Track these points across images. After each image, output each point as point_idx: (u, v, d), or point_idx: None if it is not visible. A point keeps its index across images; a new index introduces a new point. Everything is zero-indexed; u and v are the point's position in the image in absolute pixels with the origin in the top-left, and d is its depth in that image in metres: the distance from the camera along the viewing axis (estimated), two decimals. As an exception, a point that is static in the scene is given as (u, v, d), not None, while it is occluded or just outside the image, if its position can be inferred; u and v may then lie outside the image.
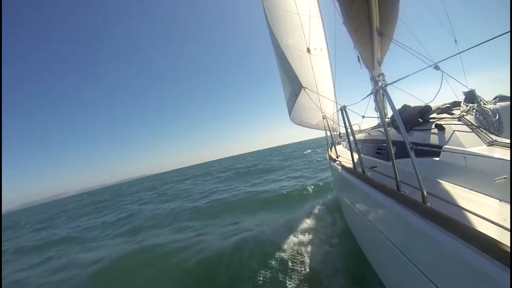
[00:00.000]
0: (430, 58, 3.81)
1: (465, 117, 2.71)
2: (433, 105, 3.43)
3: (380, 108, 2.88)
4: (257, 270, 4.65)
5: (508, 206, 1.64)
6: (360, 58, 5.73)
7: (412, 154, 1.75)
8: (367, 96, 2.89)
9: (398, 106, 3.36)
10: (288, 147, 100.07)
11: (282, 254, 5.03)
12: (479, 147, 2.22)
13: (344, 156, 5.33)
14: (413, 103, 3.51)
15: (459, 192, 2.02)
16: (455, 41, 6.10)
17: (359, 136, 5.11)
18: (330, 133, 6.50)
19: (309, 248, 5.14)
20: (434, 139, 2.68)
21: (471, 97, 3.08)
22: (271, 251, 5.18)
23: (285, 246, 5.33)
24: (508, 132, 2.62)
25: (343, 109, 2.97)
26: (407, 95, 3.90)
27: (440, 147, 2.48)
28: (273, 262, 4.80)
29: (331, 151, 6.52)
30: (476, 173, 2.02)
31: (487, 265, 1.20)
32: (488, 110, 2.73)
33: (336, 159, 5.29)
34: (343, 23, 4.58)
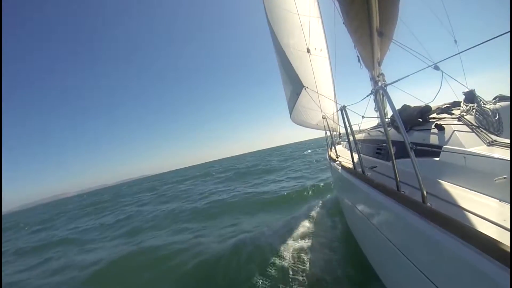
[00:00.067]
0: (430, 58, 3.81)
1: (465, 117, 2.71)
2: (433, 105, 3.43)
3: (380, 108, 2.88)
4: (255, 275, 4.58)
5: (508, 206, 1.64)
6: (360, 58, 5.73)
7: (412, 154, 1.75)
8: (367, 96, 2.89)
9: (398, 106, 3.35)
10: (288, 147, 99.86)
11: (281, 259, 4.93)
12: (479, 147, 2.22)
13: (344, 156, 5.32)
14: (413, 103, 3.51)
15: (459, 192, 2.01)
16: (455, 41, 6.11)
17: (359, 136, 5.10)
18: (330, 133, 6.50)
19: (309, 253, 5.03)
20: (434, 139, 2.68)
21: (471, 97, 3.08)
22: (270, 256, 5.11)
23: (284, 250, 5.24)
24: (508, 132, 2.62)
25: (343, 109, 2.96)
26: (407, 95, 3.90)
27: (440, 147, 2.48)
28: (272, 269, 4.68)
29: (331, 151, 6.52)
30: (476, 173, 2.02)
31: (487, 265, 1.20)
32: (488, 110, 2.73)
33: (336, 159, 5.29)
34: (343, 23, 4.58)
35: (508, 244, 1.16)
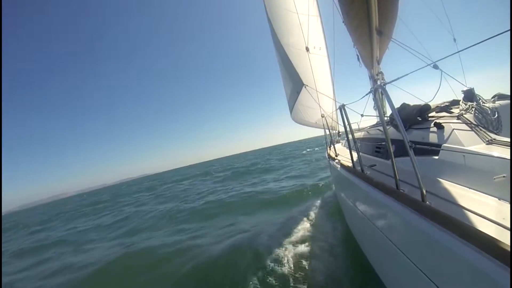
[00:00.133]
0: (429, 57, 3.81)
1: (464, 115, 2.71)
2: (432, 103, 3.43)
3: (379, 107, 2.89)
4: (252, 282, 4.42)
5: (507, 204, 1.64)
6: (359, 56, 5.74)
7: (411, 152, 1.74)
8: (366, 94, 2.89)
9: (397, 105, 3.36)
10: (288, 145, 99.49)
11: (281, 266, 4.70)
12: (478, 146, 2.22)
13: (343, 155, 5.33)
14: (412, 102, 3.52)
15: (458, 191, 2.02)
16: (454, 39, 6.11)
17: (358, 135, 5.11)
18: (329, 131, 6.51)
19: (309, 257, 4.86)
20: (433, 138, 2.68)
21: (470, 95, 3.08)
22: (269, 262, 4.91)
23: (283, 253, 5.07)
24: (507, 131, 2.62)
25: (342, 108, 2.96)
26: (406, 93, 3.90)
27: (439, 145, 2.48)
28: (272, 278, 4.45)
29: (330, 149, 6.52)
30: (475, 172, 2.02)
31: (486, 264, 1.20)
32: (487, 108, 2.73)
33: (335, 157, 5.29)
34: (343, 22, 4.58)
35: (508, 242, 1.16)
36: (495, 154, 1.93)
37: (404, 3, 4.22)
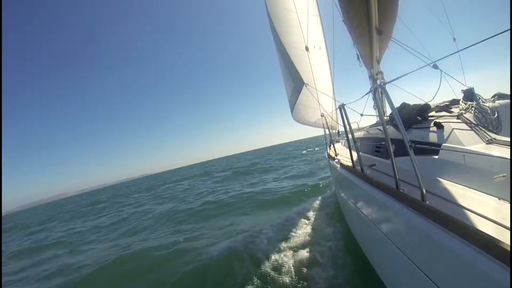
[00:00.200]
0: (429, 57, 3.81)
1: (464, 115, 2.71)
2: (432, 103, 3.43)
3: (378, 106, 2.88)
4: None
5: (507, 204, 1.64)
6: (359, 56, 5.73)
7: (411, 152, 1.74)
8: (366, 94, 2.88)
9: (396, 104, 3.35)
10: (288, 145, 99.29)
11: (280, 274, 4.51)
12: (478, 145, 2.22)
13: (343, 154, 5.32)
14: (412, 101, 3.51)
15: (458, 190, 2.01)
16: (454, 39, 6.10)
17: (358, 134, 5.11)
18: (329, 131, 6.50)
19: (309, 263, 4.62)
20: (433, 137, 2.68)
21: (470, 95, 3.08)
22: (266, 266, 4.79)
23: (281, 259, 4.90)
24: (507, 130, 2.62)
25: (341, 107, 2.96)
26: (406, 93, 3.90)
27: (439, 145, 2.48)
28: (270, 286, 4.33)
29: (330, 149, 6.52)
30: (475, 171, 2.02)
31: (486, 264, 1.20)
32: (487, 108, 2.73)
33: (335, 157, 5.29)
34: (343, 21, 4.58)
35: (508, 242, 1.15)
36: (495, 153, 1.93)
37: (404, 2, 4.22)
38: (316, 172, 15.11)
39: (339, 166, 4.49)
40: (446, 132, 2.55)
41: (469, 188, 2.00)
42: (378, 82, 5.65)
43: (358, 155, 3.19)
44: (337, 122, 7.62)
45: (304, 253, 5.01)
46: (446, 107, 3.30)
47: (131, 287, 5.55)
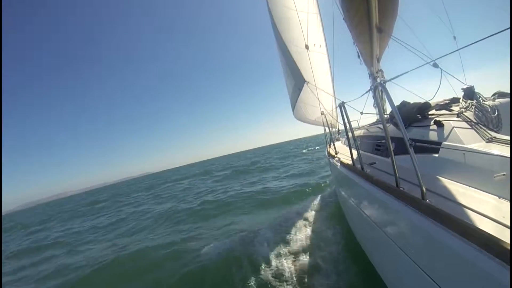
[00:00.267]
0: (429, 55, 3.80)
1: (464, 113, 2.70)
2: (432, 101, 3.43)
3: (379, 105, 2.88)
4: None
5: (507, 203, 1.63)
6: (359, 54, 5.72)
7: (411, 150, 1.74)
8: (366, 92, 2.88)
9: (396, 103, 3.35)
10: (289, 144, 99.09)
11: (279, 279, 4.41)
12: (478, 144, 2.21)
13: (343, 153, 5.32)
14: (412, 99, 3.51)
15: (458, 189, 2.01)
16: (454, 37, 6.09)
17: (358, 133, 5.11)
18: (329, 129, 6.50)
19: (309, 268, 4.50)
20: (433, 136, 2.67)
21: (470, 93, 3.07)
22: (265, 270, 4.69)
23: (281, 265, 4.76)
24: (507, 129, 2.61)
25: (341, 106, 2.96)
26: (406, 91, 3.89)
27: (439, 143, 2.47)
28: None
29: (330, 147, 6.52)
30: (475, 170, 2.01)
31: (486, 262, 1.20)
32: (487, 106, 2.72)
33: (335, 155, 5.29)
34: (343, 19, 4.57)
35: (508, 241, 1.15)
36: (495, 152, 1.92)
37: (404, 0, 4.22)
38: (316, 171, 15.10)
39: (339, 164, 4.49)
40: (446, 131, 2.54)
41: (469, 186, 2.00)
42: (378, 80, 5.65)
43: (358, 154, 3.18)
44: (337, 121, 7.62)
45: (304, 257, 4.89)
46: (446, 106, 3.29)
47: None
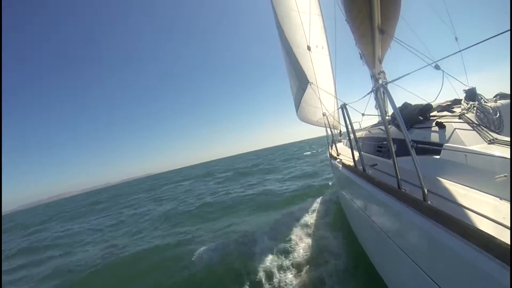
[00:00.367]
0: (431, 57, 3.80)
1: (466, 115, 2.71)
2: (434, 103, 3.43)
3: (380, 106, 2.88)
4: None
5: (508, 204, 1.63)
6: (362, 55, 5.73)
7: (412, 152, 1.74)
8: (368, 94, 2.88)
9: (398, 104, 3.35)
10: (293, 145, 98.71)
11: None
12: (479, 145, 2.21)
13: (345, 154, 5.32)
14: (414, 101, 3.51)
15: (460, 190, 2.01)
16: (456, 38, 6.09)
17: (359, 134, 5.11)
18: (331, 130, 6.50)
19: (310, 275, 4.38)
20: (434, 137, 2.67)
21: (471, 95, 3.07)
22: (264, 279, 4.56)
23: (282, 278, 4.55)
24: (508, 130, 2.61)
25: (343, 107, 2.96)
26: (407, 93, 3.89)
27: (440, 145, 2.47)
28: None
29: (331, 148, 6.52)
30: (476, 171, 2.01)
31: (487, 263, 1.20)
32: (489, 108, 2.72)
33: (337, 157, 5.29)
34: (346, 20, 4.58)
35: (508, 242, 1.16)
36: (497, 153, 1.92)
37: (406, 2, 4.22)
38: (319, 173, 15.08)
39: (341, 166, 4.50)
40: (448, 132, 2.54)
41: (471, 188, 2.00)
42: (380, 81, 5.64)
43: (360, 155, 3.19)
44: (339, 122, 7.62)
45: (306, 266, 4.70)
46: (448, 107, 3.29)
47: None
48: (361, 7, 3.89)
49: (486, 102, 2.89)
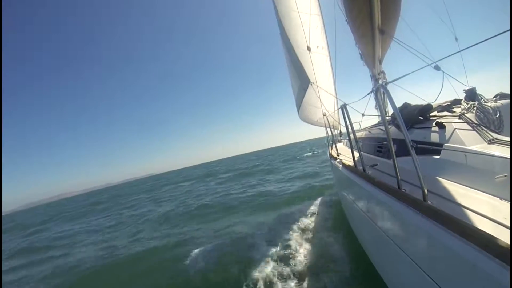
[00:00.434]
0: (431, 57, 3.80)
1: (466, 115, 2.71)
2: (434, 103, 3.43)
3: (380, 106, 2.88)
4: None
5: (508, 204, 1.64)
6: (362, 55, 5.73)
7: (412, 152, 1.74)
8: (368, 94, 2.89)
9: (398, 104, 3.35)
10: (295, 146, 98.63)
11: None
12: (479, 145, 2.21)
13: (345, 154, 5.32)
14: (414, 101, 3.51)
15: (460, 190, 2.01)
16: (456, 39, 6.10)
17: (359, 134, 5.10)
18: (331, 131, 6.51)
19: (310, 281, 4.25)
20: (434, 137, 2.67)
21: (471, 95, 3.07)
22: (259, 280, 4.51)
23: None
24: (508, 130, 2.61)
25: (343, 107, 2.96)
26: (407, 93, 3.90)
27: (440, 145, 2.48)
28: None
29: (332, 149, 6.52)
30: (476, 171, 2.01)
31: (487, 263, 1.20)
32: (489, 108, 2.72)
33: (337, 157, 5.29)
34: (346, 21, 4.58)
35: (508, 242, 1.16)
36: (497, 153, 1.92)
37: (406, 2, 4.22)
38: (319, 173, 15.08)
39: (341, 166, 4.50)
40: (448, 132, 2.54)
41: (471, 188, 2.00)
42: (380, 82, 5.65)
43: (360, 155, 3.19)
44: (339, 122, 7.61)
45: (306, 273, 4.55)
46: (448, 107, 3.29)
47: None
48: (361, 7, 3.90)
49: (486, 102, 2.88)
